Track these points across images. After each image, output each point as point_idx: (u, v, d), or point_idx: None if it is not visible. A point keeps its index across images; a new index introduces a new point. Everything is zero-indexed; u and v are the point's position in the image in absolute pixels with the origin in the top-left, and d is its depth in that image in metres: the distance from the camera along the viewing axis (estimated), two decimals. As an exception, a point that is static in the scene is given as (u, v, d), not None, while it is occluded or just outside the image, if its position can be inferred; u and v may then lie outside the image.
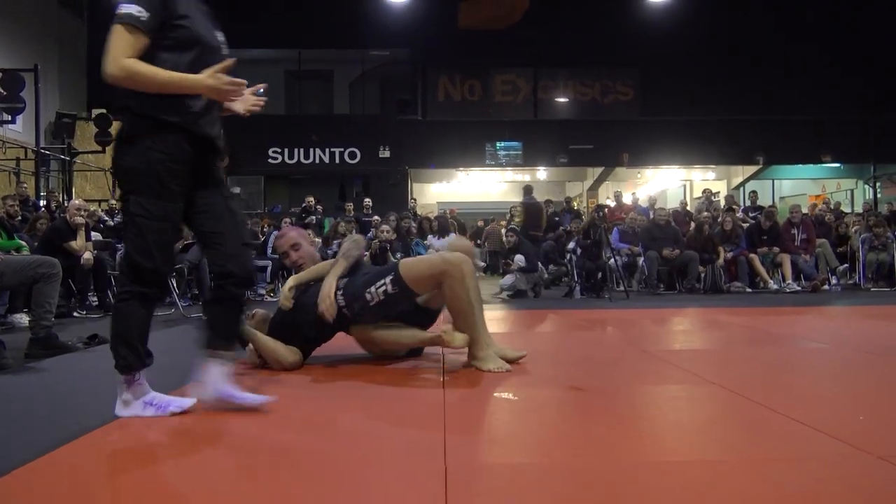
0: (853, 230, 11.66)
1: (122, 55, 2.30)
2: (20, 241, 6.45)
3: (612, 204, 14.32)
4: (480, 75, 18.15)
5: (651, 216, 13.67)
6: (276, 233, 12.28)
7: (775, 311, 6.54)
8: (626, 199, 22.03)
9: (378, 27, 16.77)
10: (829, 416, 2.31)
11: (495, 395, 2.73)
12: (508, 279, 9.36)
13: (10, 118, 10.78)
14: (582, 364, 3.39)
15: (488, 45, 17.33)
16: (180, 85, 2.38)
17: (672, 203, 21.50)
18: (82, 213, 7.04)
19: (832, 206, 14.74)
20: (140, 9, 2.33)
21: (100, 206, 14.63)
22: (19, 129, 13.27)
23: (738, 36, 17.34)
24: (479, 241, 18.60)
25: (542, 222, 12.46)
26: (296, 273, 3.67)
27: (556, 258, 12.70)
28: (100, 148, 13.52)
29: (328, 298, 3.28)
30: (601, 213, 9.39)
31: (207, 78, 2.37)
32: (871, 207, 14.90)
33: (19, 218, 8.04)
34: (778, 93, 17.31)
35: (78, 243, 6.93)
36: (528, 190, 12.61)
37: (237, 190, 17.83)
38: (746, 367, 3.31)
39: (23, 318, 5.84)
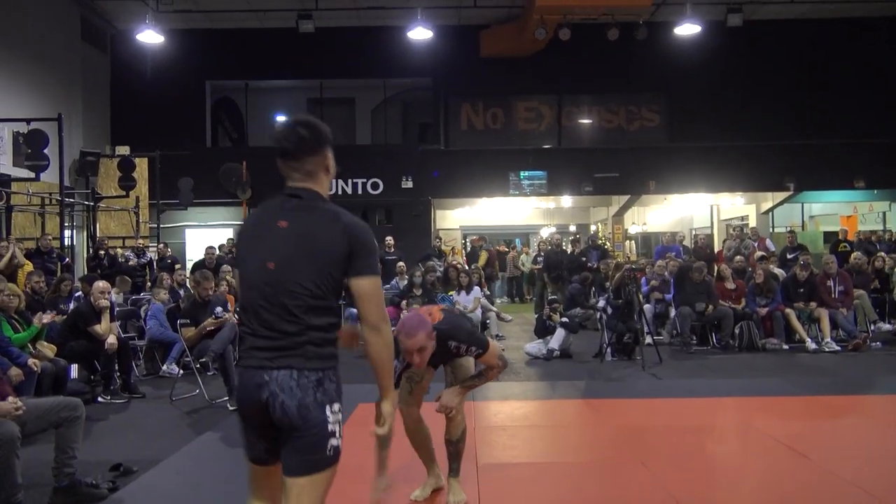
0: (894, 273, 11.36)
1: None
2: (36, 327, 6.35)
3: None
4: (503, 103, 17.92)
5: (681, 252, 13.48)
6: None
7: (820, 406, 6.25)
8: (652, 219, 21.85)
9: (400, 57, 16.61)
10: None
11: None
12: (559, 336, 9.15)
13: (34, 175, 10.76)
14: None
15: (511, 72, 17.15)
16: None
17: (699, 224, 21.24)
18: (106, 295, 6.95)
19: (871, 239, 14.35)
20: None
21: (123, 242, 14.70)
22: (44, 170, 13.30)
23: (767, 60, 16.97)
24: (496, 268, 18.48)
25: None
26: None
27: (583, 301, 12.50)
28: (123, 192, 13.48)
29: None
30: (633, 274, 9.12)
31: None
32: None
33: (42, 293, 7.96)
34: (809, 118, 16.93)
35: (102, 327, 6.83)
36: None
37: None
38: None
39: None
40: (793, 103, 16.99)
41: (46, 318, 6.40)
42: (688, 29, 15.02)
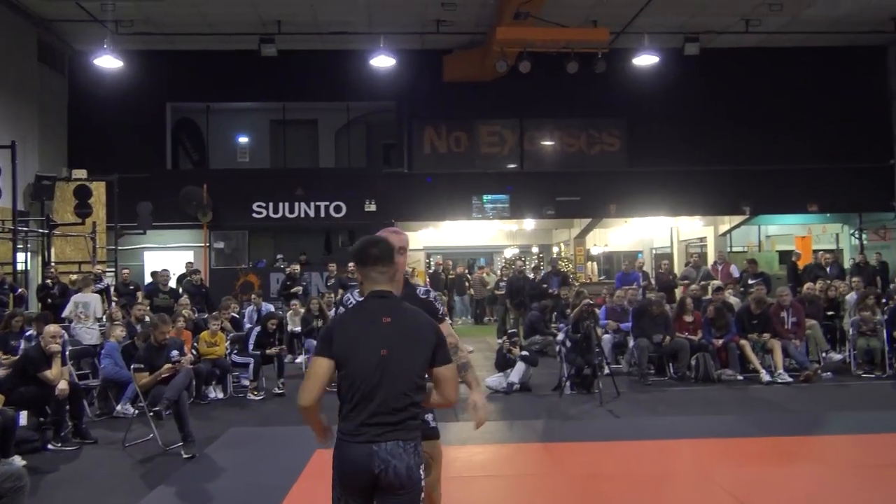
0: (845, 302, 11.65)
1: None
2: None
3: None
4: (466, 127, 17.99)
5: (640, 280, 13.68)
6: (267, 307, 12.11)
7: (772, 450, 6.39)
8: (614, 239, 22.15)
9: (363, 80, 16.59)
10: None
11: None
12: (519, 370, 9.20)
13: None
14: None
15: (473, 96, 17.25)
16: None
17: (659, 244, 21.60)
18: (57, 340, 6.80)
19: (824, 263, 14.69)
20: None
21: (79, 267, 14.40)
22: (-4, 194, 12.99)
23: (723, 88, 17.34)
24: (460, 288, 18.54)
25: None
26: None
27: (543, 328, 12.63)
28: (80, 220, 13.22)
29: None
30: (591, 309, 9.24)
31: None
32: (864, 262, 14.87)
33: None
34: (764, 144, 17.32)
35: (53, 372, 6.69)
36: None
37: (221, 245, 17.61)
38: None
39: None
40: (748, 130, 17.35)
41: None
42: (646, 60, 15.34)
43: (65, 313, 9.98)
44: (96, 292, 12.24)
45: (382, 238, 2.90)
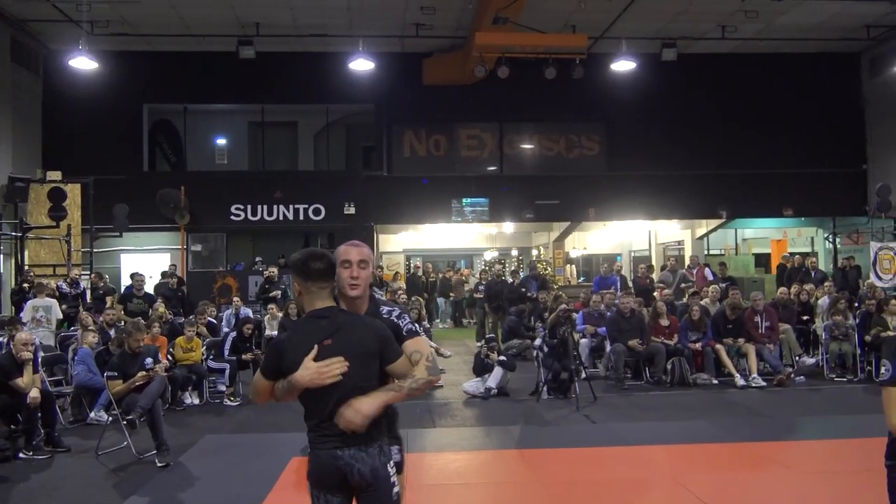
0: (817, 306, 11.80)
1: None
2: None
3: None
4: (446, 130, 17.99)
5: (618, 285, 13.79)
6: (246, 311, 12.10)
7: (744, 456, 6.47)
8: (592, 242, 22.30)
9: (342, 83, 16.54)
10: None
11: None
12: (497, 375, 9.22)
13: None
14: None
15: (453, 100, 17.28)
16: None
17: (637, 247, 21.77)
18: (29, 347, 6.72)
19: (803, 266, 14.92)
20: None
21: (54, 270, 14.24)
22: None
23: (700, 93, 17.51)
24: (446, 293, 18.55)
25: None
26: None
27: (522, 331, 12.71)
28: (54, 223, 13.05)
29: None
30: (567, 315, 9.28)
31: None
32: (847, 266, 15.09)
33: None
34: (740, 149, 17.51)
35: (24, 380, 6.60)
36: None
37: (199, 247, 17.47)
38: None
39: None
40: (725, 134, 17.54)
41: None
42: (624, 65, 15.46)
43: (24, 319, 9.85)
44: (75, 296, 12.21)
45: (325, 253, 2.85)
